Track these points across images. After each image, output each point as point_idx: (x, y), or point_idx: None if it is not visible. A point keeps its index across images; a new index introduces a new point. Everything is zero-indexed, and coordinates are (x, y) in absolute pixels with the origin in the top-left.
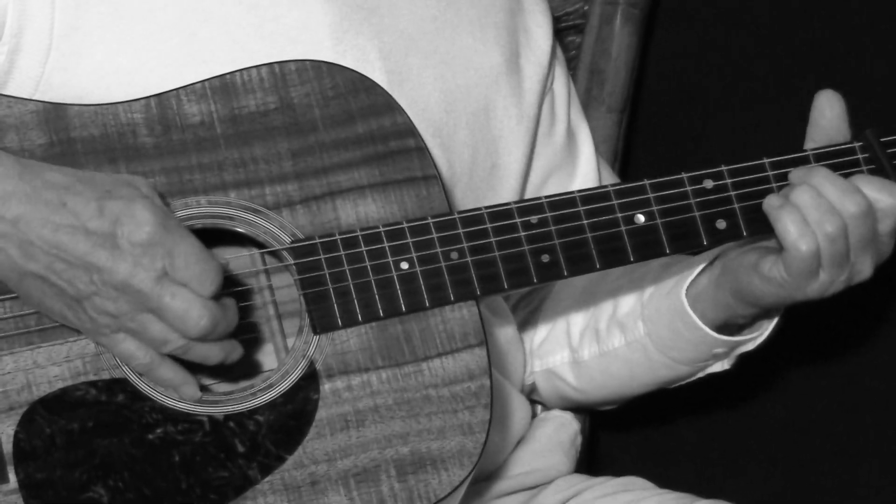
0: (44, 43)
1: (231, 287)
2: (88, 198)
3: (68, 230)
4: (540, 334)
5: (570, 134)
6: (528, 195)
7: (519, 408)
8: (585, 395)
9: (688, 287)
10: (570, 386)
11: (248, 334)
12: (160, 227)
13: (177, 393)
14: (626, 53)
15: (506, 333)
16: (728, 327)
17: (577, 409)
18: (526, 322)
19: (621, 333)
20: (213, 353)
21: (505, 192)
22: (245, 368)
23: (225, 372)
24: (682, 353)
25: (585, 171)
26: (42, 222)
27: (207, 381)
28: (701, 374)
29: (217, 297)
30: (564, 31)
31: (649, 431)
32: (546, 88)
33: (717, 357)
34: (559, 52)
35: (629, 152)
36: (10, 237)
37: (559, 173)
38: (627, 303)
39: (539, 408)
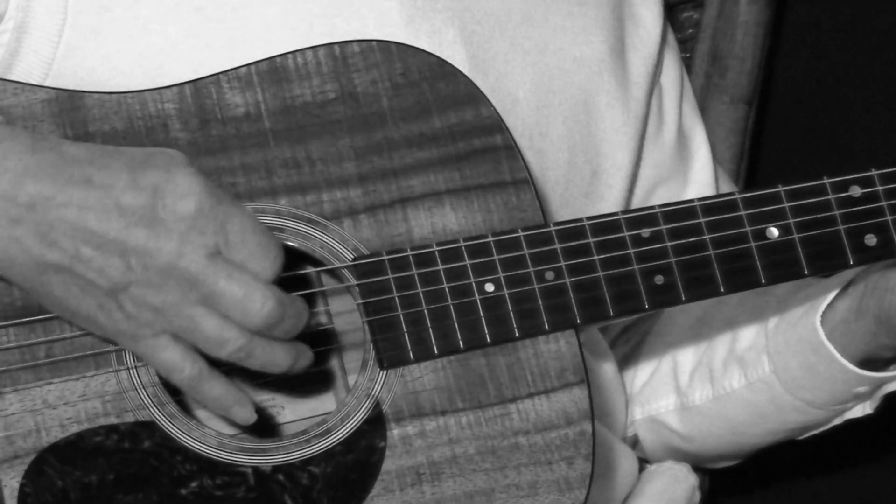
0: (57, 18)
1: None
2: (118, 169)
3: (97, 209)
4: (641, 376)
5: (682, 136)
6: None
7: (624, 459)
8: (697, 447)
9: (822, 314)
10: (679, 436)
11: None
12: (209, 196)
13: (228, 416)
14: (754, 33)
15: (605, 373)
16: (871, 362)
17: (691, 464)
18: (624, 361)
19: (741, 371)
20: (279, 357)
21: (606, 205)
22: (297, 410)
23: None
24: (817, 393)
25: (700, 180)
26: (64, 202)
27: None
28: (838, 421)
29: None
30: (680, 5)
31: (777, 492)
32: (655, 82)
33: (859, 398)
34: (671, 37)
35: (758, 153)
36: (24, 223)
37: (668, 184)
38: (748, 335)
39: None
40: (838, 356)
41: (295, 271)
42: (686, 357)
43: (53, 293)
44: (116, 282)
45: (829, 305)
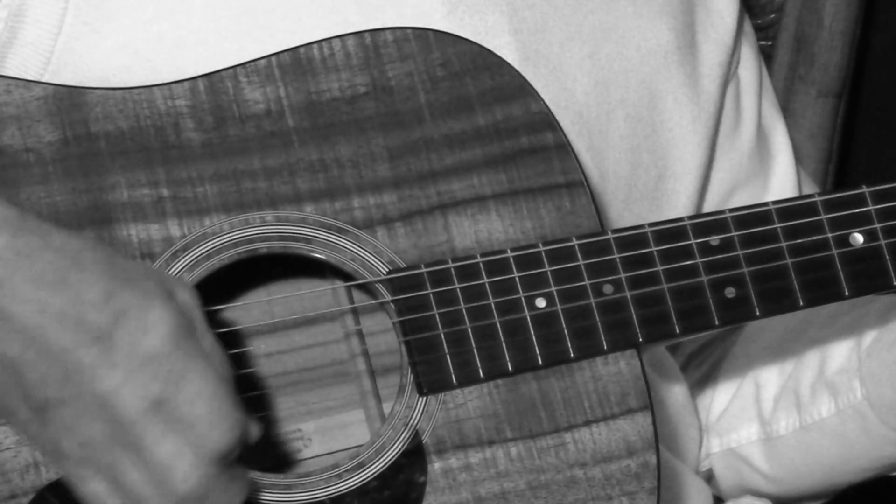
0: (57, 5)
1: (306, 333)
2: (98, 277)
3: (57, 316)
4: (719, 403)
5: (762, 135)
6: None
7: (696, 494)
8: (780, 486)
9: None
10: (760, 473)
11: (330, 399)
12: (174, 340)
13: None
14: (844, 18)
15: (675, 397)
16: None
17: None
18: (699, 386)
19: (831, 398)
20: None
21: (674, 212)
22: (327, 443)
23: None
24: None
25: (781, 184)
26: (26, 298)
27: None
28: None
29: (226, 461)
30: None
31: None
32: (730, 74)
33: None
34: (748, 25)
35: (848, 151)
36: None
37: (746, 188)
38: (839, 357)
39: None
40: None
41: (322, 287)
42: (770, 381)
43: None
44: (50, 396)
45: None
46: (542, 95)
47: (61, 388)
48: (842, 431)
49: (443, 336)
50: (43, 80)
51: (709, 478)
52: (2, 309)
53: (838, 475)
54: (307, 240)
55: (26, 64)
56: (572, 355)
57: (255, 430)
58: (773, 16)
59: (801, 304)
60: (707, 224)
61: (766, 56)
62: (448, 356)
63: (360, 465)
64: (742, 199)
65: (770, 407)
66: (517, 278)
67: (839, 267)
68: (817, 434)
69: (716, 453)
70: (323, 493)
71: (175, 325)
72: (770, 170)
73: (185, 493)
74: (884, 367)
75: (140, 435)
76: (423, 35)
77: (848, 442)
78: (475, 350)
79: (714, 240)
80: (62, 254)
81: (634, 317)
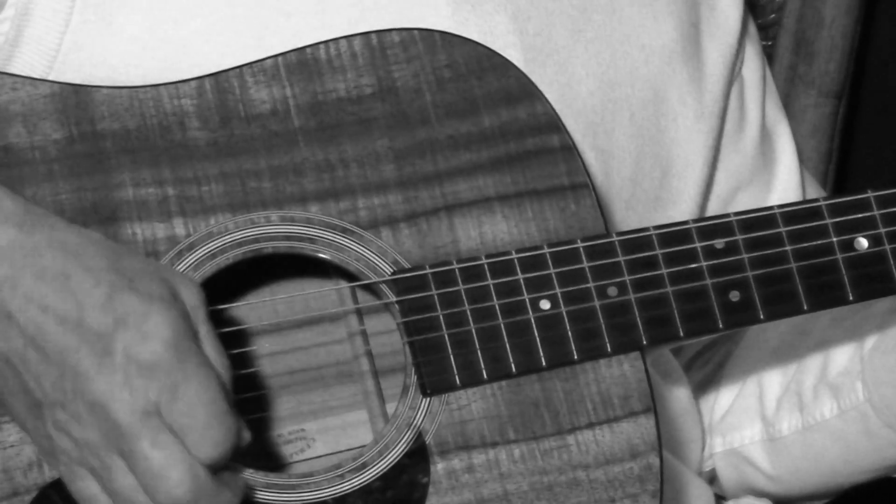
0: (64, 3)
1: (310, 332)
2: (99, 279)
3: (58, 317)
4: (723, 403)
5: (766, 136)
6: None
7: (698, 496)
8: (782, 486)
9: None
10: (763, 472)
11: (333, 399)
12: (173, 349)
13: None
14: (844, 18)
15: (678, 399)
16: None
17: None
18: (703, 387)
19: (833, 399)
20: None
21: (678, 212)
22: (330, 442)
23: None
24: None
25: (785, 185)
26: (29, 296)
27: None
28: None
29: (219, 468)
30: None
31: None
32: (734, 75)
33: None
34: (751, 26)
35: (848, 151)
36: None
37: (750, 188)
38: (841, 358)
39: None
40: None
41: (326, 287)
42: (773, 381)
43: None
44: (46, 395)
45: None
46: (547, 95)
47: (57, 389)
48: (844, 432)
49: (447, 337)
50: (49, 79)
51: (711, 479)
52: (5, 308)
53: (840, 476)
54: (312, 240)
55: (33, 62)
56: (576, 357)
57: (246, 436)
58: (773, 16)
59: (806, 308)
60: (712, 227)
61: (766, 56)
62: (452, 357)
63: (364, 466)
64: (745, 199)
65: (773, 407)
66: (521, 280)
67: (844, 271)
68: (819, 435)
69: (718, 453)
70: (326, 494)
71: (174, 331)
72: (774, 170)
73: (175, 500)
74: (886, 370)
75: (133, 441)
76: (429, 36)
77: (850, 443)
78: (479, 351)
79: (719, 243)
80: (66, 251)
81: (638, 319)
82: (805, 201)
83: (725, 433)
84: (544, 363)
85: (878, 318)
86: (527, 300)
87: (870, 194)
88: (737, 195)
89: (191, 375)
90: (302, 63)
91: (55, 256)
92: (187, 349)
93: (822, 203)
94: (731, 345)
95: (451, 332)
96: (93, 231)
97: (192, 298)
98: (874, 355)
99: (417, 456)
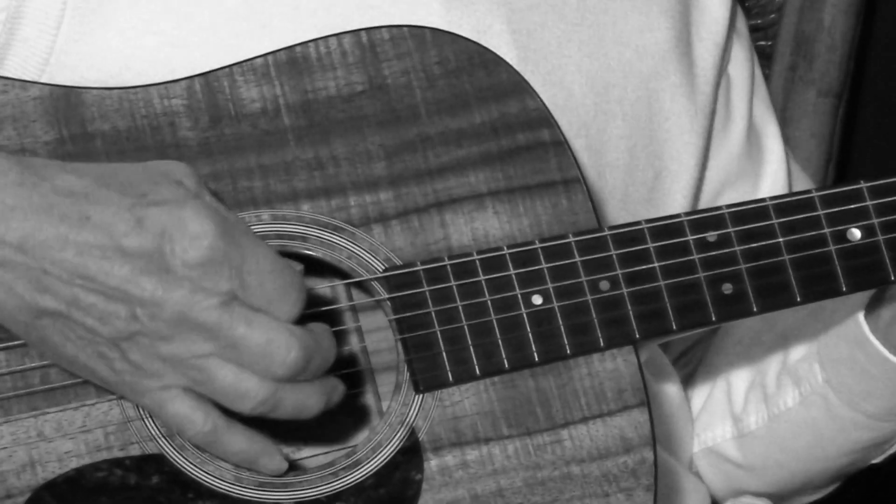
0: (56, 6)
1: None
2: (119, 206)
3: (97, 253)
4: (696, 403)
5: (753, 135)
6: None
7: (692, 491)
8: (760, 478)
9: (867, 320)
10: (741, 468)
11: None
12: (221, 237)
13: (254, 469)
14: (844, 18)
15: (669, 395)
16: None
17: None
18: (685, 387)
19: (795, 387)
20: (309, 401)
21: (671, 210)
22: (323, 439)
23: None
24: (876, 402)
25: (772, 185)
26: (60, 243)
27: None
28: None
29: (300, 322)
30: None
31: None
32: (721, 73)
33: None
34: (740, 23)
35: (848, 151)
36: (14, 266)
37: (736, 187)
38: (801, 346)
39: None
40: (885, 351)
41: (320, 285)
42: (740, 377)
43: (48, 340)
44: (120, 331)
45: (874, 312)
46: (540, 94)
47: (131, 321)
48: (808, 419)
49: (439, 334)
50: (40, 81)
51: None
52: (38, 265)
53: (814, 463)
54: (303, 238)
55: (24, 64)
56: (569, 352)
57: (303, 286)
58: (773, 16)
59: (799, 299)
60: (704, 220)
61: (766, 56)
62: (444, 354)
63: (357, 463)
64: (731, 197)
65: (741, 402)
66: (514, 275)
67: (837, 262)
68: (785, 424)
69: (696, 453)
70: (319, 492)
71: (211, 220)
72: (761, 170)
73: (290, 366)
74: (838, 347)
75: (229, 333)
76: (420, 33)
77: (815, 428)
78: (471, 347)
79: (711, 236)
80: (74, 194)
81: (631, 313)
82: (797, 192)
83: (700, 433)
84: (537, 358)
85: (833, 302)
86: (519, 295)
87: (862, 185)
88: (722, 193)
89: (247, 253)
90: (292, 61)
91: (66, 201)
92: (230, 229)
93: (814, 194)
94: (708, 344)
95: (443, 328)
96: (84, 164)
97: (189, 177)
98: (829, 336)
99: (411, 453)
